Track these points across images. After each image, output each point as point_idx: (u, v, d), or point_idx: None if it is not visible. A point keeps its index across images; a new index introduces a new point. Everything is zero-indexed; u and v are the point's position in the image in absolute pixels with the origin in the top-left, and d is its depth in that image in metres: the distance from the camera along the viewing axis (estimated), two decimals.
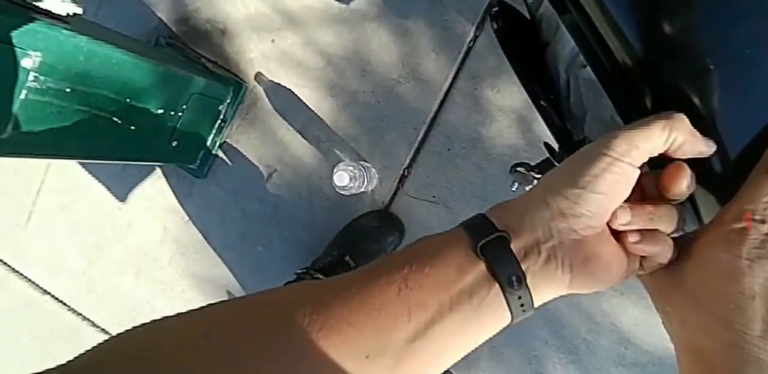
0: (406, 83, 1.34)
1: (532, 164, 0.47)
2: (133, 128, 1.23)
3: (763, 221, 0.33)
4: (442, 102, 1.31)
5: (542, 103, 0.46)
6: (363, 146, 1.38)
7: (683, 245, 0.38)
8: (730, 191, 0.35)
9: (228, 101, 1.47)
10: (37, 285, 1.75)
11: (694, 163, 0.35)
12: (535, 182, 0.44)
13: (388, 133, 1.36)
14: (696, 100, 0.34)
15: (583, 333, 1.24)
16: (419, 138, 1.33)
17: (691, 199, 0.38)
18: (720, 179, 0.36)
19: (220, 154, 1.51)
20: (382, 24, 1.34)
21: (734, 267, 0.34)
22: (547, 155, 0.49)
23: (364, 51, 1.36)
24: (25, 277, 1.76)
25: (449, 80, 1.30)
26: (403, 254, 0.36)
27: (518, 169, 0.46)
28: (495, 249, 0.35)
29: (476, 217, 0.37)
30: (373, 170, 1.35)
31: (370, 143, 1.37)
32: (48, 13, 1.02)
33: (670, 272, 0.38)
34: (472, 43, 1.28)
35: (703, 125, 0.34)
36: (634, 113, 0.37)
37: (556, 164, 0.43)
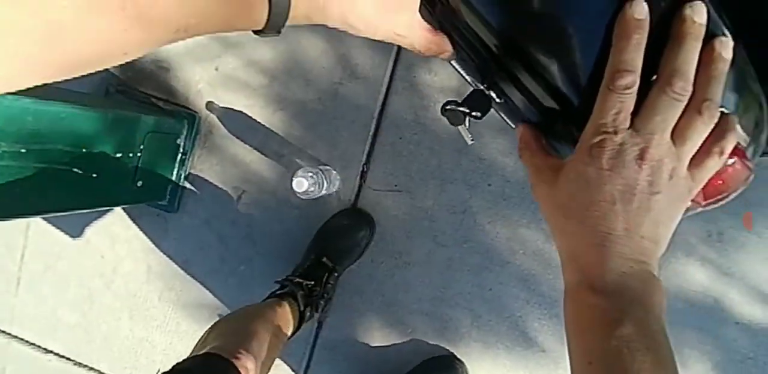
0: (348, 84, 1.38)
1: (459, 101, 0.50)
2: (95, 175, 1.26)
3: (615, 132, 0.36)
4: (386, 95, 1.36)
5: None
6: (320, 151, 1.42)
7: (560, 168, 0.41)
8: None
9: (184, 133, 1.52)
10: (38, 346, 1.75)
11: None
12: (467, 118, 0.47)
13: (340, 134, 1.40)
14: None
15: (559, 285, 1.25)
16: (371, 133, 1.37)
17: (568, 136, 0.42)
18: (581, 113, 0.39)
19: (187, 185, 1.54)
20: (315, 32, 1.40)
21: (596, 177, 0.38)
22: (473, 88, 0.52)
23: (303, 61, 1.42)
24: (26, 341, 1.76)
25: (388, 73, 1.35)
26: None
27: (448, 108, 0.49)
28: None
29: None
30: (334, 172, 1.38)
31: (326, 147, 1.41)
32: None
33: (552, 192, 0.42)
34: None
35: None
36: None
37: (485, 92, 0.46)
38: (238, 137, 1.50)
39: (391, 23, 0.39)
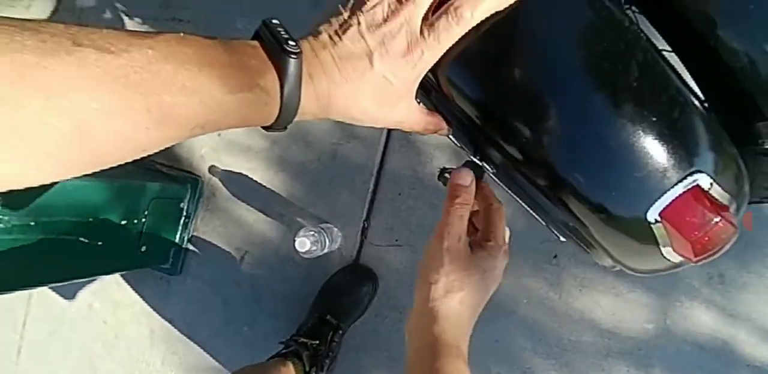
0: (347, 144, 1.43)
1: (456, 167, 0.55)
2: (100, 243, 1.28)
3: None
4: (383, 153, 1.40)
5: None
6: (321, 209, 1.45)
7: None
8: None
9: (188, 197, 1.55)
10: None
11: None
12: None
13: (341, 192, 1.43)
14: None
15: (566, 334, 1.25)
16: (370, 190, 1.40)
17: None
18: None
19: (190, 247, 1.56)
20: None
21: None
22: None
23: (303, 123, 1.47)
24: None
25: (385, 132, 1.40)
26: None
27: (444, 175, 0.53)
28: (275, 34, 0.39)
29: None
30: (335, 229, 1.40)
31: (327, 205, 1.44)
32: None
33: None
34: None
35: None
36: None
37: (476, 162, 0.51)
38: (240, 199, 1.53)
39: (392, 113, 0.43)
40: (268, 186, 1.50)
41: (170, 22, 1.60)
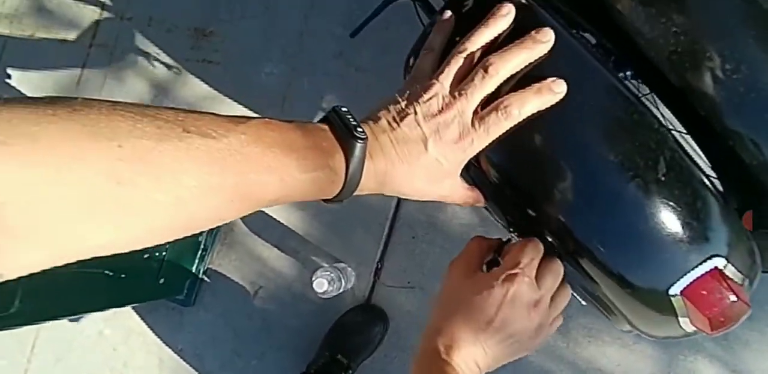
0: None
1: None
2: (123, 276, 1.33)
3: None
4: (399, 197, 1.45)
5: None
6: (336, 248, 1.49)
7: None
8: None
9: (206, 231, 1.60)
10: None
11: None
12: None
13: (356, 233, 1.48)
14: None
15: None
16: (385, 232, 1.45)
17: None
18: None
19: (205, 279, 1.60)
20: None
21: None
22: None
23: None
24: None
25: None
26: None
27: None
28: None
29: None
30: (349, 269, 1.45)
31: (343, 245, 1.49)
32: None
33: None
34: None
35: None
36: None
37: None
38: (257, 234, 1.58)
39: (439, 188, 0.47)
40: (285, 223, 1.55)
41: (201, 63, 1.67)
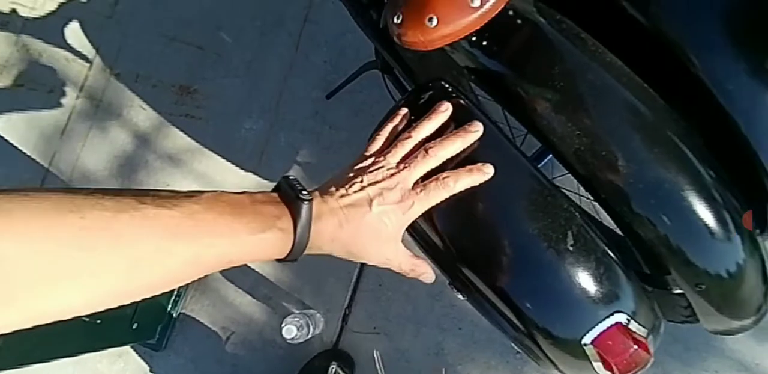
0: None
1: None
2: (98, 321, 1.38)
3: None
4: None
5: None
6: (306, 295, 1.57)
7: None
8: None
9: None
10: None
11: None
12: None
13: (326, 280, 1.56)
14: None
15: None
16: (354, 280, 1.54)
17: None
18: None
19: (178, 324, 1.65)
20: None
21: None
22: None
23: None
24: None
25: None
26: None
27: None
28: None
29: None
30: (318, 314, 1.52)
31: (312, 291, 1.56)
32: None
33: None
34: None
35: None
36: None
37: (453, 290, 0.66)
38: (230, 281, 1.64)
39: (385, 251, 0.54)
40: (258, 270, 1.62)
41: (184, 118, 1.77)
